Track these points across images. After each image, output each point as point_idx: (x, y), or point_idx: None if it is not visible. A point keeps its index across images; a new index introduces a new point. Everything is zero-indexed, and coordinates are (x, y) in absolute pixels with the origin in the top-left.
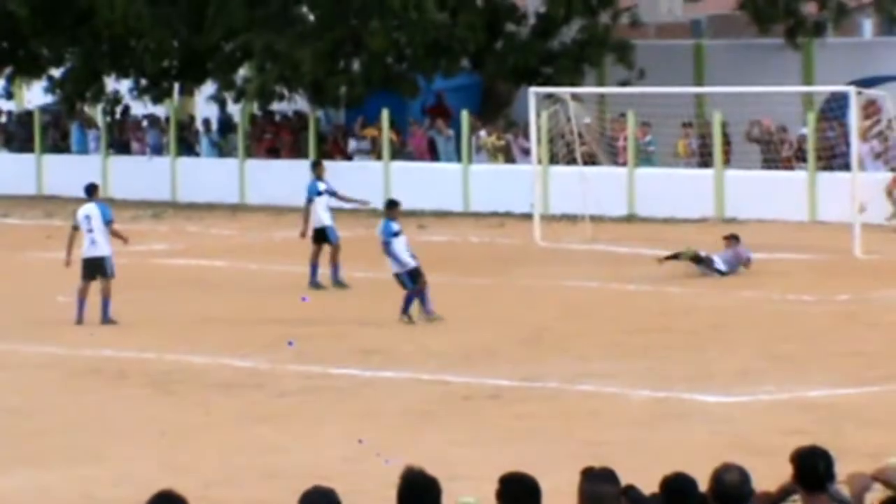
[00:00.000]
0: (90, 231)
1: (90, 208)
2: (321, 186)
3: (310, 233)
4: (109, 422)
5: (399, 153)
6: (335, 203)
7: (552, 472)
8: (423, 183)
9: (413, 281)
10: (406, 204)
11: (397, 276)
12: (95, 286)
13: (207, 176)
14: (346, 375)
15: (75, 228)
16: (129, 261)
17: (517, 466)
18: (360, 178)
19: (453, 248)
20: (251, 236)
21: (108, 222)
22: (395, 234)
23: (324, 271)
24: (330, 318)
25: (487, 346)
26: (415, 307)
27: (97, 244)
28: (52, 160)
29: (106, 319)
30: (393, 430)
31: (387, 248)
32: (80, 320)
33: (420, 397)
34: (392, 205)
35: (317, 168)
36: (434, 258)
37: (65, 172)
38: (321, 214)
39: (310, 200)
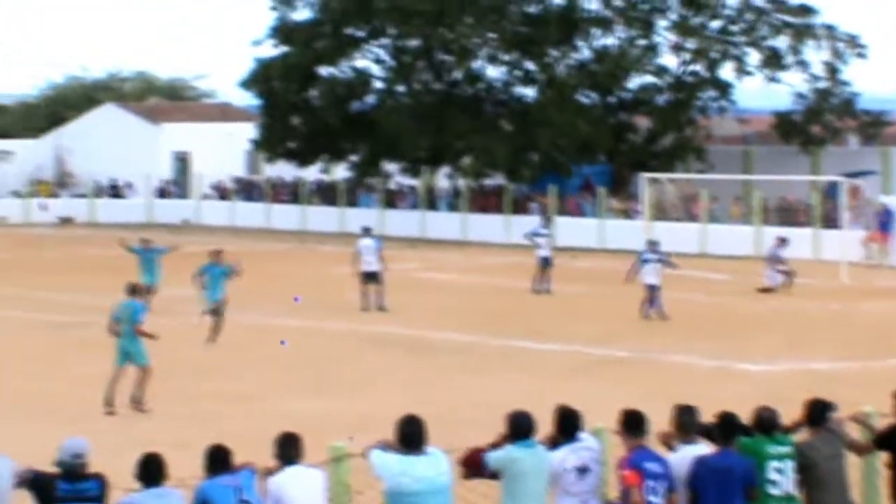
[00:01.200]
0: (369, 255)
1: (369, 242)
2: (542, 231)
3: (538, 260)
4: (377, 371)
5: (560, 212)
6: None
7: (652, 411)
8: (576, 230)
9: (652, 291)
10: (564, 242)
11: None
12: (371, 288)
13: (443, 222)
14: (524, 346)
15: (358, 254)
16: (395, 275)
17: (629, 405)
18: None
19: (594, 270)
20: (471, 261)
21: (379, 249)
22: (645, 262)
23: (528, 285)
24: (522, 310)
25: (612, 331)
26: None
27: (372, 263)
28: (349, 211)
29: (383, 307)
30: (552, 381)
31: (638, 268)
32: (364, 308)
33: (571, 361)
34: (651, 243)
35: (545, 217)
36: (580, 276)
37: (358, 220)
38: (544, 249)
39: (532, 238)
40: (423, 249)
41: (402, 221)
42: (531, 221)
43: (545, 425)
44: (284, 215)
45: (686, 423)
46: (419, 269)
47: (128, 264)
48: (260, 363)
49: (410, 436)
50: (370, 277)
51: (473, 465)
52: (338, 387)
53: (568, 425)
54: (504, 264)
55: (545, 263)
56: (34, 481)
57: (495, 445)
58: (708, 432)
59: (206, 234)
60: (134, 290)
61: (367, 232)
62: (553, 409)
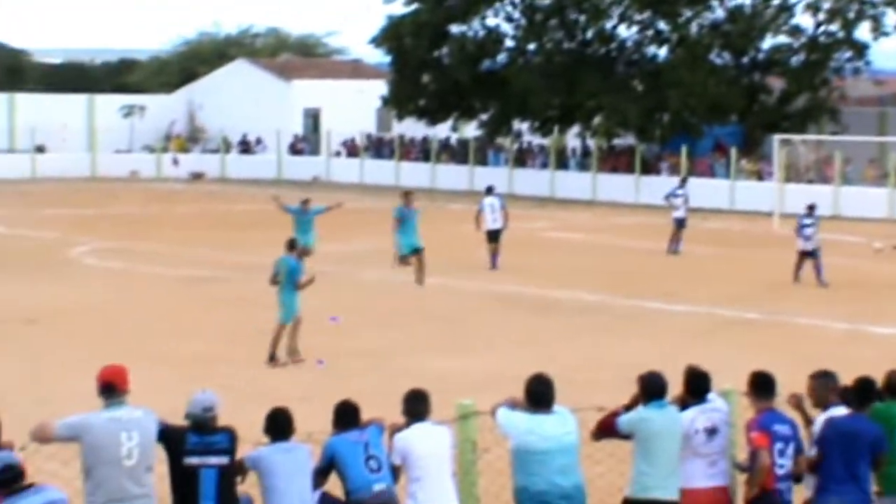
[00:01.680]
0: (493, 212)
1: (493, 200)
2: (679, 192)
3: (674, 221)
4: (504, 329)
5: (691, 173)
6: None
7: (782, 373)
8: (706, 191)
9: (807, 256)
10: (695, 203)
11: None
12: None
13: (573, 182)
14: (653, 307)
15: (480, 211)
16: (523, 234)
17: (759, 367)
18: (665, 189)
19: (724, 232)
20: (601, 221)
21: (502, 207)
22: (804, 227)
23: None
24: (651, 271)
25: (743, 293)
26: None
27: (497, 221)
28: (478, 169)
29: (495, 266)
30: (681, 342)
31: (797, 232)
32: (493, 266)
33: (700, 323)
34: (810, 207)
35: (682, 178)
36: (711, 238)
37: (487, 179)
38: (680, 210)
39: (669, 199)
40: (552, 209)
41: (531, 180)
42: (662, 182)
43: (675, 387)
44: (413, 173)
45: (822, 391)
46: (548, 228)
47: (260, 220)
48: (389, 321)
49: (539, 394)
50: (493, 236)
51: (607, 429)
52: (465, 345)
53: (697, 386)
54: (633, 224)
55: (680, 224)
56: (164, 433)
57: (629, 407)
58: (843, 396)
59: (336, 190)
60: (292, 246)
61: (489, 191)
62: (683, 370)
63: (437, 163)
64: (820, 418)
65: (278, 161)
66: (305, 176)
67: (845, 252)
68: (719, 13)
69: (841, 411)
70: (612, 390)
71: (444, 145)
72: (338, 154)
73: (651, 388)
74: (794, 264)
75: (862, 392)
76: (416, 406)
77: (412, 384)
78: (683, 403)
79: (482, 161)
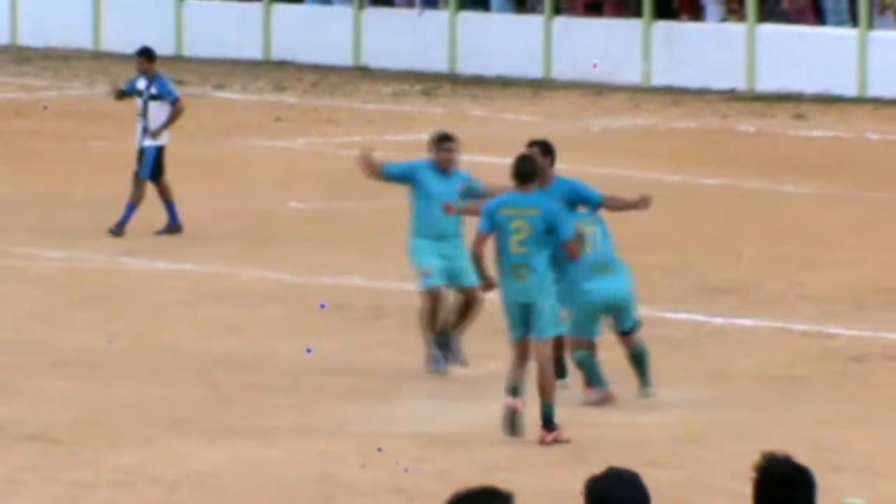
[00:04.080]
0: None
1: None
2: None
3: None
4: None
5: (771, 14)
6: None
7: None
8: (801, 55)
9: None
10: (778, 85)
11: None
12: None
13: (500, 39)
14: (687, 322)
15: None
16: (388, 154)
17: None
18: (716, 45)
19: (844, 146)
20: (560, 125)
21: (170, 99)
22: None
23: None
24: (669, 241)
25: (887, 288)
26: None
27: (159, 121)
28: (282, 11)
29: (176, 224)
30: (749, 401)
31: None
32: (174, 224)
33: (790, 356)
34: None
35: None
36: (815, 160)
37: (300, 30)
38: None
39: None
40: (452, 99)
41: (404, 35)
42: (701, 35)
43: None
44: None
45: None
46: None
47: None
48: None
49: None
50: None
51: None
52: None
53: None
54: (644, 131)
55: None
56: None
57: None
58: None
59: None
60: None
61: (147, 56)
62: (754, 469)
63: None
64: None
65: None
66: None
67: None
68: None
69: None
70: None
71: None
72: None
73: None
74: None
75: None
76: None
77: None
78: None
79: None
